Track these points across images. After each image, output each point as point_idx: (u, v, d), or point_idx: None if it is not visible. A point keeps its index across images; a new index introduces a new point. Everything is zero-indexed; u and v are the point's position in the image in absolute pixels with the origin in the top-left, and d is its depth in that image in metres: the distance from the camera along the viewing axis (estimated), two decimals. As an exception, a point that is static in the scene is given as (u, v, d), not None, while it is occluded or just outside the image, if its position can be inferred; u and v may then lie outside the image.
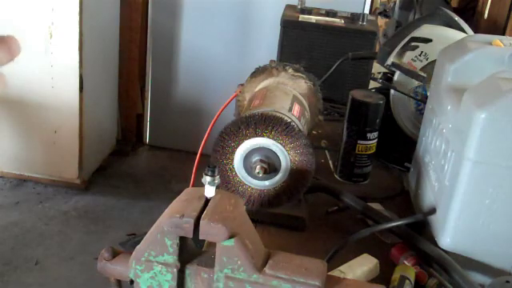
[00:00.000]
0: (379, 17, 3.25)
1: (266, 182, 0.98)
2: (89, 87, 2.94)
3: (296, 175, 0.96)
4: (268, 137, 0.94)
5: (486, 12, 3.20)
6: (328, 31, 1.72)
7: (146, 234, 0.68)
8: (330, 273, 0.79)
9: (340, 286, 0.67)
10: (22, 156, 3.04)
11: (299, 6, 1.89)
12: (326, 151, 1.39)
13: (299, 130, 0.95)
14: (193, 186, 1.32)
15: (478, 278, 0.89)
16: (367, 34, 1.72)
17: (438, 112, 1.05)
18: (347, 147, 1.24)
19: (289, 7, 1.91)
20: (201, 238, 0.65)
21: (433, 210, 0.96)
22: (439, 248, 0.91)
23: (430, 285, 0.89)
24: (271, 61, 1.32)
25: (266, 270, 0.66)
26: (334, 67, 1.64)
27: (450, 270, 0.87)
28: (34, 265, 2.50)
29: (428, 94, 1.24)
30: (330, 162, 1.34)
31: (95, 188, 3.15)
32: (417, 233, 0.97)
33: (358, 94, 1.23)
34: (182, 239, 0.66)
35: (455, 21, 1.37)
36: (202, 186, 0.69)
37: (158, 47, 3.52)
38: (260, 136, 0.95)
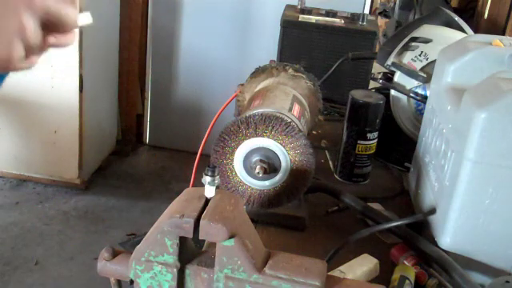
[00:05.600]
0: (379, 17, 3.25)
1: (266, 182, 0.98)
2: (89, 87, 2.94)
3: (296, 175, 0.96)
4: (268, 137, 0.94)
5: (486, 12, 3.20)
6: (328, 31, 1.72)
7: (145, 234, 0.68)
8: (330, 273, 0.79)
9: (340, 286, 0.68)
10: (21, 156, 3.04)
11: (299, 6, 1.89)
12: (326, 151, 1.39)
13: (299, 130, 0.95)
14: (193, 186, 1.32)
15: (478, 278, 0.89)
16: (367, 34, 1.72)
17: (437, 112, 1.05)
18: (347, 147, 1.24)
19: (289, 7, 1.90)
20: (201, 238, 0.65)
21: (433, 210, 0.96)
22: (439, 248, 0.91)
23: (429, 285, 0.89)
24: (271, 61, 1.32)
25: (266, 270, 0.66)
26: (334, 67, 1.64)
27: (450, 270, 0.87)
28: (34, 265, 2.50)
29: (428, 93, 1.25)
30: (330, 162, 1.34)
31: (95, 188, 3.15)
32: (417, 233, 0.97)
33: (358, 94, 1.23)
34: (182, 239, 0.66)
35: (455, 21, 1.37)
36: (202, 186, 0.69)
37: (158, 47, 3.53)
38: (260, 136, 0.95)
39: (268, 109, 1.00)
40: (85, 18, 0.67)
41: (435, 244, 0.92)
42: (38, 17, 0.54)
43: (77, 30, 0.64)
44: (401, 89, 1.31)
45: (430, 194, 1.00)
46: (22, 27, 0.52)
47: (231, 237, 0.64)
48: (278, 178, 0.97)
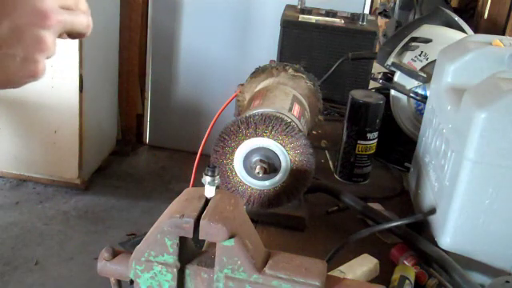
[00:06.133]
0: (379, 17, 3.25)
1: (266, 182, 0.98)
2: (89, 87, 2.94)
3: (296, 175, 0.96)
4: (268, 137, 0.94)
5: (486, 12, 3.20)
6: (328, 31, 1.72)
7: (145, 234, 0.68)
8: (330, 273, 0.79)
9: (340, 286, 0.67)
10: (21, 156, 3.04)
11: (299, 6, 1.89)
12: (326, 151, 1.39)
13: (299, 130, 0.95)
14: (193, 185, 1.32)
15: (478, 278, 0.89)
16: (367, 34, 1.71)
17: (437, 112, 1.05)
18: (347, 147, 1.24)
19: (289, 7, 1.90)
20: (201, 238, 0.65)
21: (433, 210, 0.96)
22: (439, 248, 0.91)
23: (429, 285, 0.89)
24: (271, 61, 1.32)
25: (266, 270, 0.66)
26: (334, 67, 1.64)
27: (450, 270, 0.87)
28: (34, 265, 2.50)
29: (428, 93, 1.25)
30: (330, 162, 1.34)
31: (95, 188, 3.15)
32: (417, 233, 0.97)
33: (358, 93, 1.23)
34: (182, 239, 0.66)
35: (455, 21, 1.37)
36: (202, 186, 0.69)
37: (158, 47, 3.53)
38: (260, 136, 0.95)
39: (268, 109, 1.00)
40: None
41: (435, 244, 0.92)
42: (55, 31, 0.55)
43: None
44: (401, 89, 1.31)
45: (430, 194, 1.00)
46: (42, 44, 0.54)
47: (231, 237, 0.64)
48: (278, 178, 0.97)
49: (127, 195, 3.14)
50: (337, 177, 1.28)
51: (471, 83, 0.91)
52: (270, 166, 0.96)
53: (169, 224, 0.65)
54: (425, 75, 1.26)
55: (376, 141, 1.24)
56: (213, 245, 0.67)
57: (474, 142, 0.82)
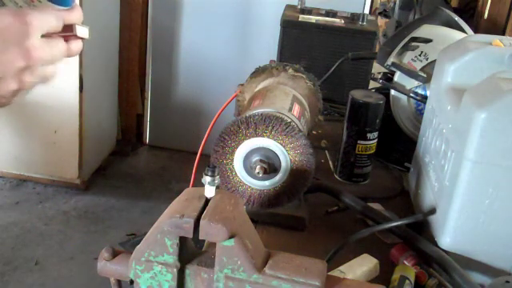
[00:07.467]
0: (379, 17, 3.25)
1: (266, 182, 0.98)
2: (89, 87, 2.94)
3: (296, 175, 0.96)
4: (268, 137, 0.94)
5: (486, 12, 3.21)
6: (328, 31, 1.72)
7: (145, 234, 0.68)
8: (330, 273, 0.79)
9: (340, 286, 0.68)
10: (21, 156, 3.04)
11: (299, 6, 1.89)
12: (326, 151, 1.39)
13: (299, 130, 0.95)
14: (193, 186, 1.32)
15: (478, 278, 0.89)
16: (367, 34, 1.71)
17: (437, 112, 1.05)
18: (347, 147, 1.24)
19: (289, 7, 1.90)
20: (201, 238, 0.65)
21: (433, 210, 0.96)
22: (439, 248, 0.91)
23: (429, 285, 0.89)
24: (271, 61, 1.32)
25: (266, 270, 0.66)
26: (334, 67, 1.64)
27: (450, 270, 0.87)
28: (34, 265, 2.50)
29: (428, 93, 1.25)
30: (330, 162, 1.34)
31: (95, 188, 3.15)
32: (417, 233, 0.97)
33: (358, 94, 1.23)
34: (182, 239, 0.66)
35: (455, 21, 1.37)
36: (202, 186, 0.69)
37: (158, 47, 3.52)
38: (260, 136, 0.95)
39: (268, 109, 1.00)
40: (82, 32, 0.70)
41: (435, 244, 0.92)
42: (35, 66, 0.60)
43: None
44: (401, 89, 1.31)
45: (430, 194, 1.00)
46: (21, 79, 0.58)
47: (231, 237, 0.64)
48: (278, 178, 0.97)
49: (127, 195, 3.14)
50: (337, 177, 1.28)
51: (471, 83, 0.91)
52: (270, 166, 0.96)
53: (169, 224, 0.65)
54: (425, 75, 1.26)
55: (376, 141, 1.24)
56: (213, 245, 0.67)
57: (474, 142, 0.82)
